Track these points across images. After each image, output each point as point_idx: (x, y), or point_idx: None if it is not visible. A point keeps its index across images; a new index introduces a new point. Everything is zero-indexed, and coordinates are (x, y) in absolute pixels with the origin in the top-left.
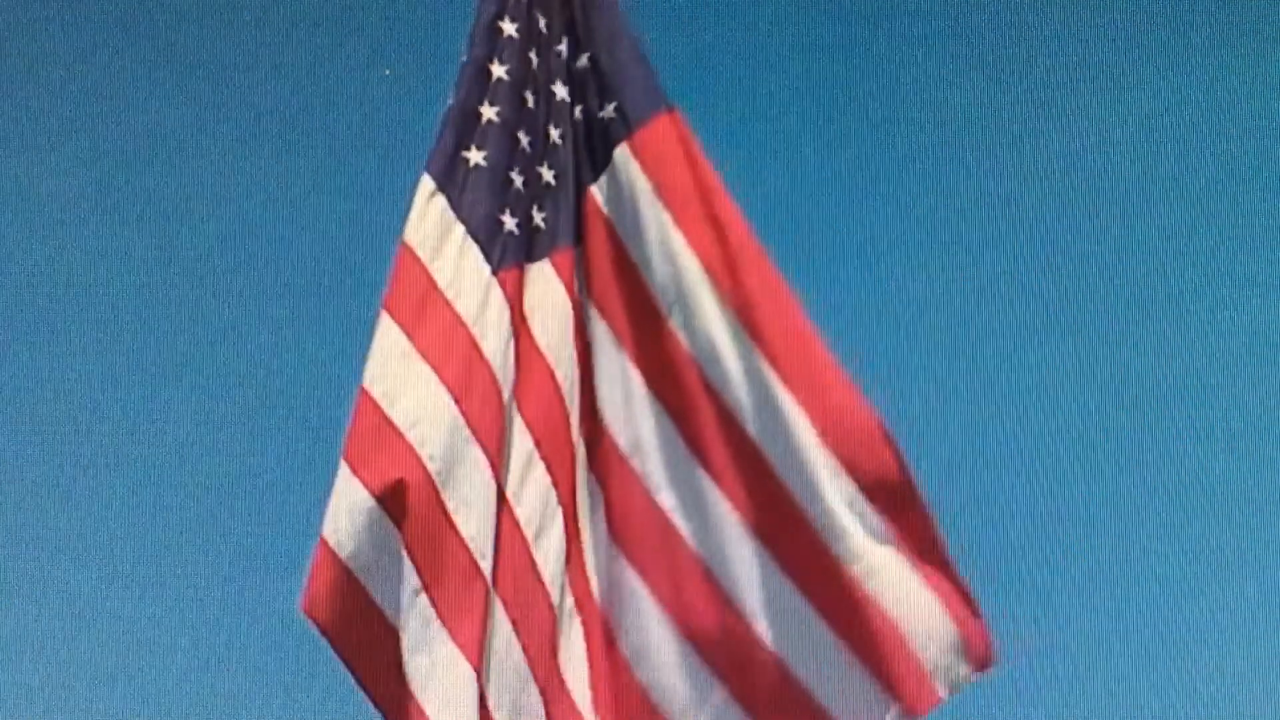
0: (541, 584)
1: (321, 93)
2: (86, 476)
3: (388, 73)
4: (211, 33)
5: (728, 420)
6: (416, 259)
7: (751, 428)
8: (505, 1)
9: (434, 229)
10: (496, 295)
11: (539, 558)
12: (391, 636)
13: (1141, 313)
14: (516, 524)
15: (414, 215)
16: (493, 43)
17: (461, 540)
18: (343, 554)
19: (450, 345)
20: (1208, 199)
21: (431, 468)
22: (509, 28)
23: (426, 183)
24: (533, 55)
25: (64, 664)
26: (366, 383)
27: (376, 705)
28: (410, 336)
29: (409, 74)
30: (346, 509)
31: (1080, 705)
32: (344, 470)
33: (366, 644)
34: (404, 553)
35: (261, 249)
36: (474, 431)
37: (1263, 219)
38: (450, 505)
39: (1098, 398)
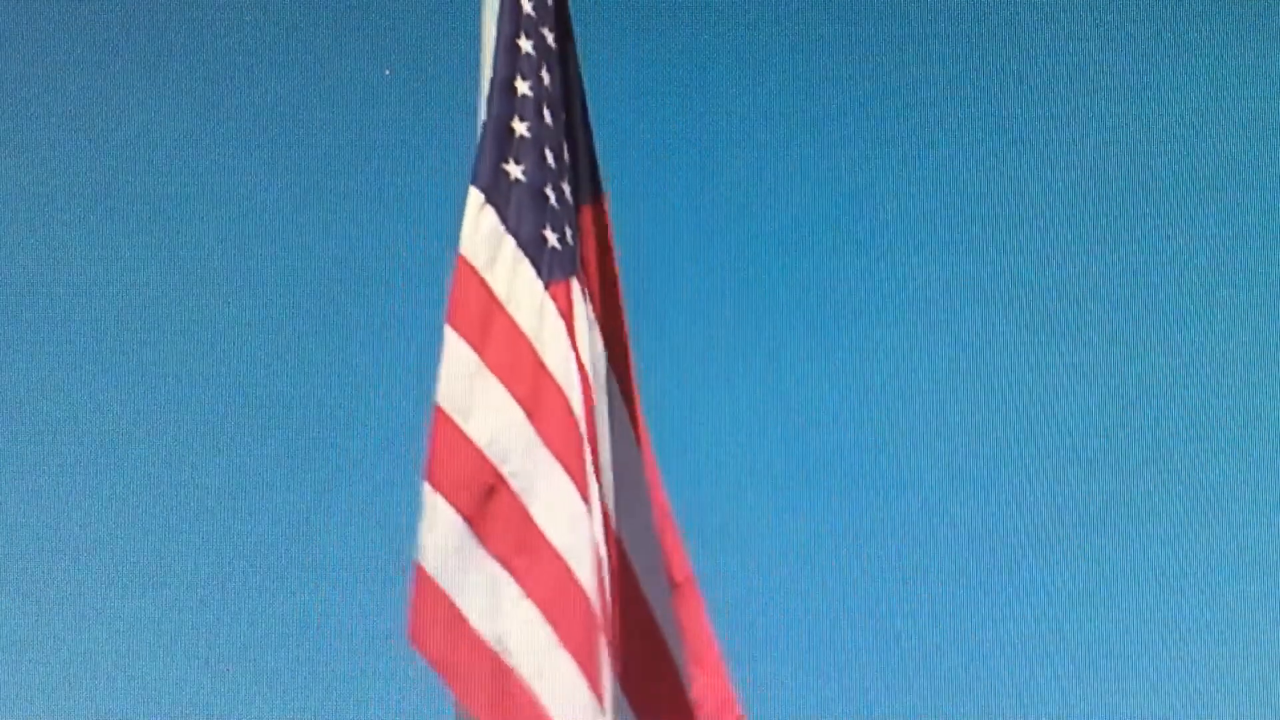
0: (604, 599)
1: (321, 93)
2: (86, 476)
3: (388, 73)
4: (212, 33)
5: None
6: (474, 271)
7: (614, 510)
8: (518, 19)
9: (486, 241)
10: (550, 309)
11: (605, 575)
12: (487, 655)
13: (1141, 312)
14: (595, 540)
15: (466, 227)
16: (514, 60)
17: (555, 551)
18: (437, 575)
19: (517, 359)
20: (1208, 199)
21: (515, 484)
22: (525, 45)
23: (475, 195)
24: (544, 74)
25: (64, 664)
26: (440, 401)
27: None
28: (479, 352)
29: (409, 74)
30: (434, 529)
31: (1080, 705)
32: (428, 491)
33: (466, 665)
34: (498, 564)
35: (261, 249)
36: (549, 446)
37: (1263, 219)
38: (539, 518)
39: (1098, 397)
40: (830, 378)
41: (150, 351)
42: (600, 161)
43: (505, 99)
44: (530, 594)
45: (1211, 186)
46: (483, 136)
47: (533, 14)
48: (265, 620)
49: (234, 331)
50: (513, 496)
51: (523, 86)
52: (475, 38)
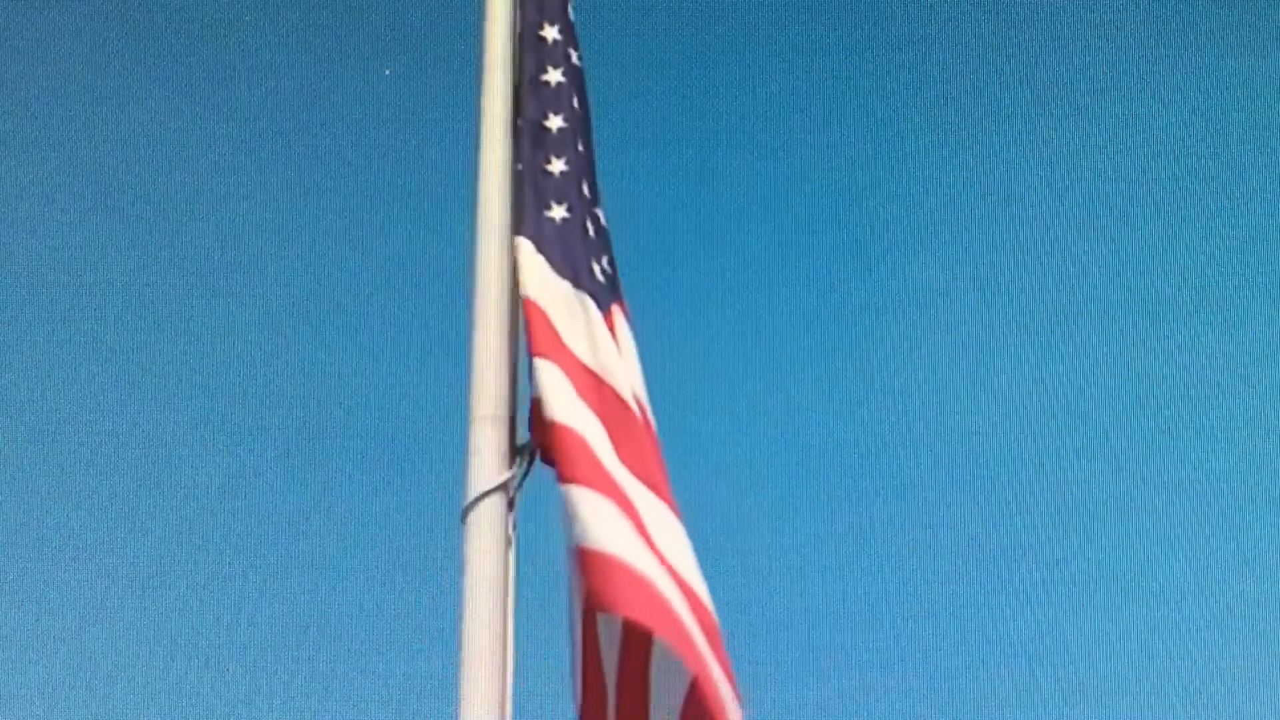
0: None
1: (321, 93)
2: (86, 476)
3: (388, 73)
4: (212, 34)
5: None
6: (542, 311)
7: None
8: (541, 54)
9: (544, 284)
10: (607, 339)
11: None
12: (671, 611)
13: (1141, 312)
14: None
15: (524, 272)
16: (541, 97)
17: (673, 566)
18: (613, 551)
19: (596, 392)
20: (1209, 200)
21: (629, 492)
22: (554, 75)
23: (525, 244)
24: (574, 100)
25: (64, 664)
26: (560, 419)
27: (696, 664)
28: (570, 379)
29: (409, 74)
30: (596, 516)
31: (1080, 705)
32: (573, 489)
33: (663, 616)
34: (645, 542)
35: (261, 249)
36: (633, 471)
37: (1263, 220)
38: (651, 531)
39: (1097, 396)
40: (830, 377)
41: (150, 351)
42: (600, 165)
43: (538, 140)
44: (683, 595)
45: (1213, 187)
46: (519, 183)
47: (559, 38)
48: (265, 620)
49: (234, 331)
50: (633, 508)
51: (556, 121)
52: (476, 38)
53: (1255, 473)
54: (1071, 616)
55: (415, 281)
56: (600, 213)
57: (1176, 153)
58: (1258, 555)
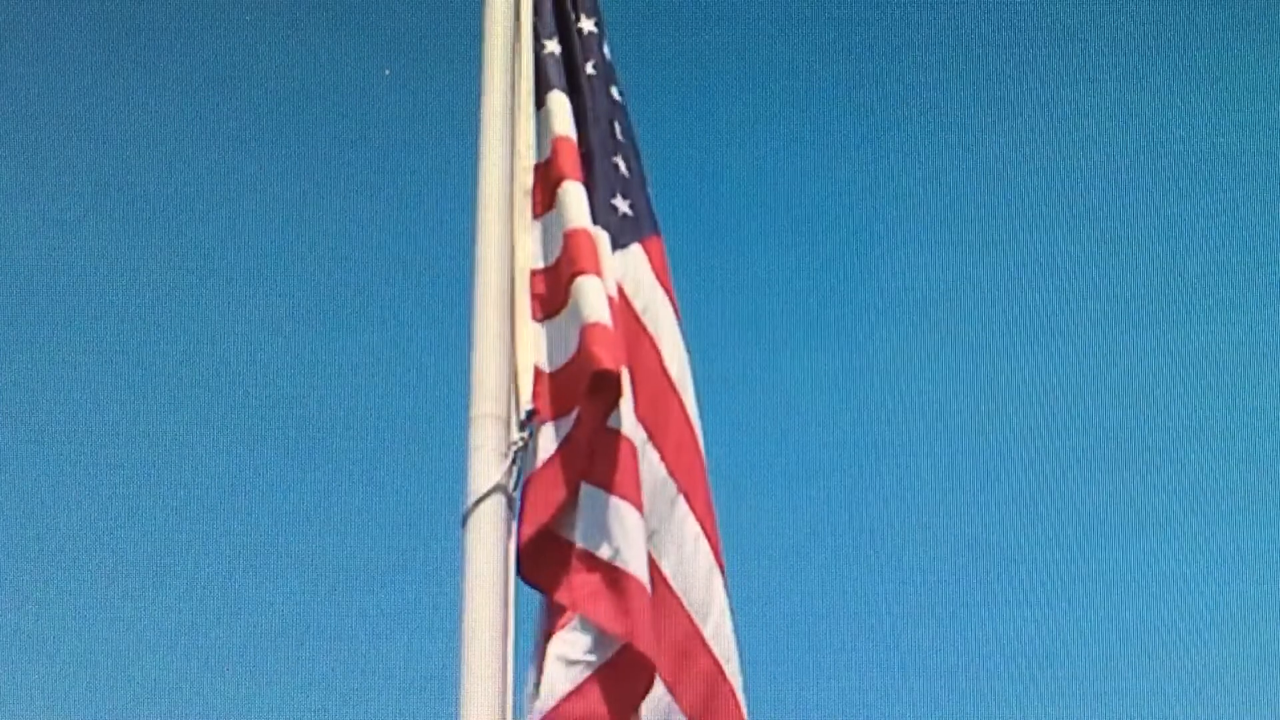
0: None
1: (321, 93)
2: (86, 476)
3: (387, 73)
4: (211, 33)
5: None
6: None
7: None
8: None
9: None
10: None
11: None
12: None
13: (1142, 312)
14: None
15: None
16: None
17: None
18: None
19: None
20: (1208, 199)
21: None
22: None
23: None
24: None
25: (64, 664)
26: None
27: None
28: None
29: (409, 74)
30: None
31: (1081, 705)
32: (615, 501)
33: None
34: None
35: (261, 248)
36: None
37: (1263, 220)
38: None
39: (1097, 397)
40: (830, 377)
41: (150, 351)
42: None
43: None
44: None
45: (1213, 187)
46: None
47: (595, 30)
48: (265, 620)
49: (235, 330)
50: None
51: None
52: (476, 37)
53: (1256, 473)
54: (1071, 616)
55: (415, 280)
56: (619, 160)
57: (1177, 153)
58: (1259, 555)
